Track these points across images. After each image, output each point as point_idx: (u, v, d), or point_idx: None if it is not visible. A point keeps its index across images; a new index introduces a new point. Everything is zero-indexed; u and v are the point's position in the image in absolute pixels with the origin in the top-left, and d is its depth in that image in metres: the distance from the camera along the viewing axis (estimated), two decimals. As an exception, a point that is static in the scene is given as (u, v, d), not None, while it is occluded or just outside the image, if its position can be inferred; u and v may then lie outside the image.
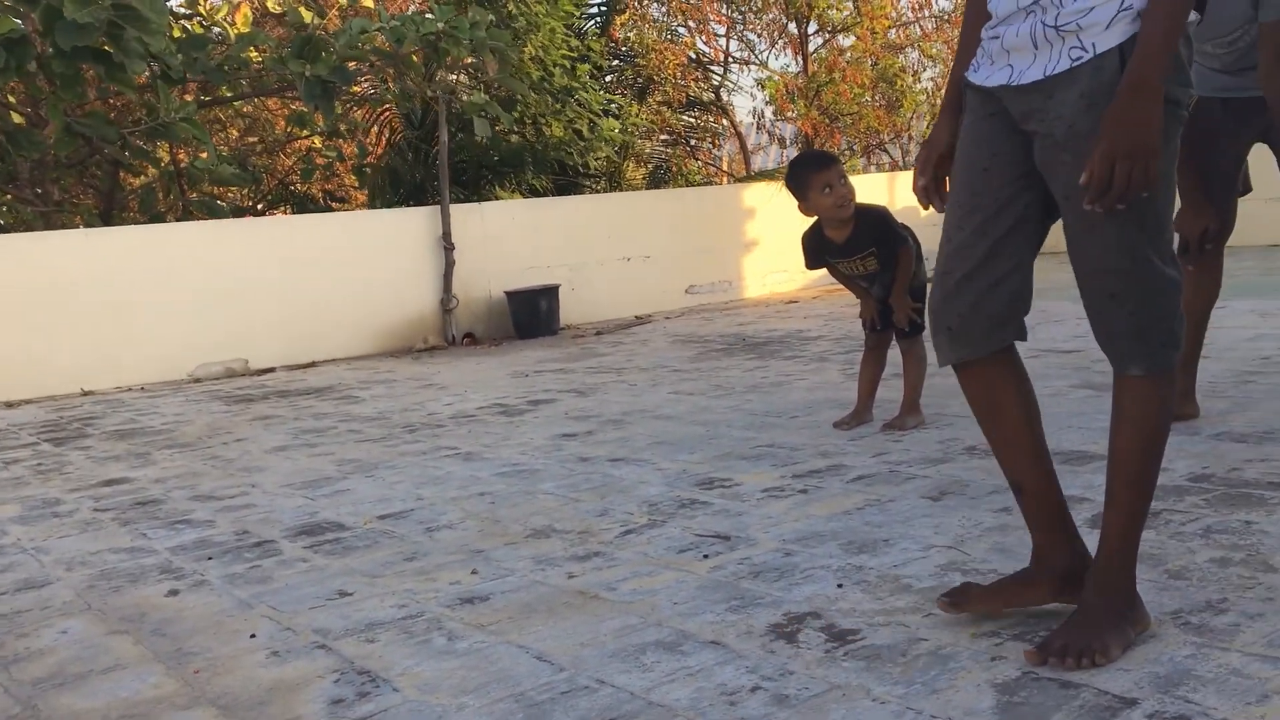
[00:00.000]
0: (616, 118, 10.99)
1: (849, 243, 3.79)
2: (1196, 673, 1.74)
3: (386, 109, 10.68)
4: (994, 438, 2.03)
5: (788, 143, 14.60)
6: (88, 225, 9.02)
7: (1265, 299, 6.35)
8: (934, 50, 13.42)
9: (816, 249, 3.89)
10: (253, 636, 2.32)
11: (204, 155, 9.70)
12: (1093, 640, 1.79)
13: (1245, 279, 7.56)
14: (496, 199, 9.83)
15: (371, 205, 10.62)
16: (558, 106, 10.09)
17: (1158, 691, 1.69)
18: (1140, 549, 2.30)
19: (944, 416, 3.89)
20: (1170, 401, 1.91)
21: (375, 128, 11.08)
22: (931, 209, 2.09)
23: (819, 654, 1.97)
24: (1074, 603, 1.93)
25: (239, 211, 10.98)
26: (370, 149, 11.09)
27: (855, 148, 13.72)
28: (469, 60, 9.32)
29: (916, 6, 13.74)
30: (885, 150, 14.63)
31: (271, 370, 7.65)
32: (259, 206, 12.07)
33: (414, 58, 8.32)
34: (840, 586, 2.30)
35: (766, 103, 13.81)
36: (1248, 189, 3.45)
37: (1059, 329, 5.87)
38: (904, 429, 3.75)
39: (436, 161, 8.80)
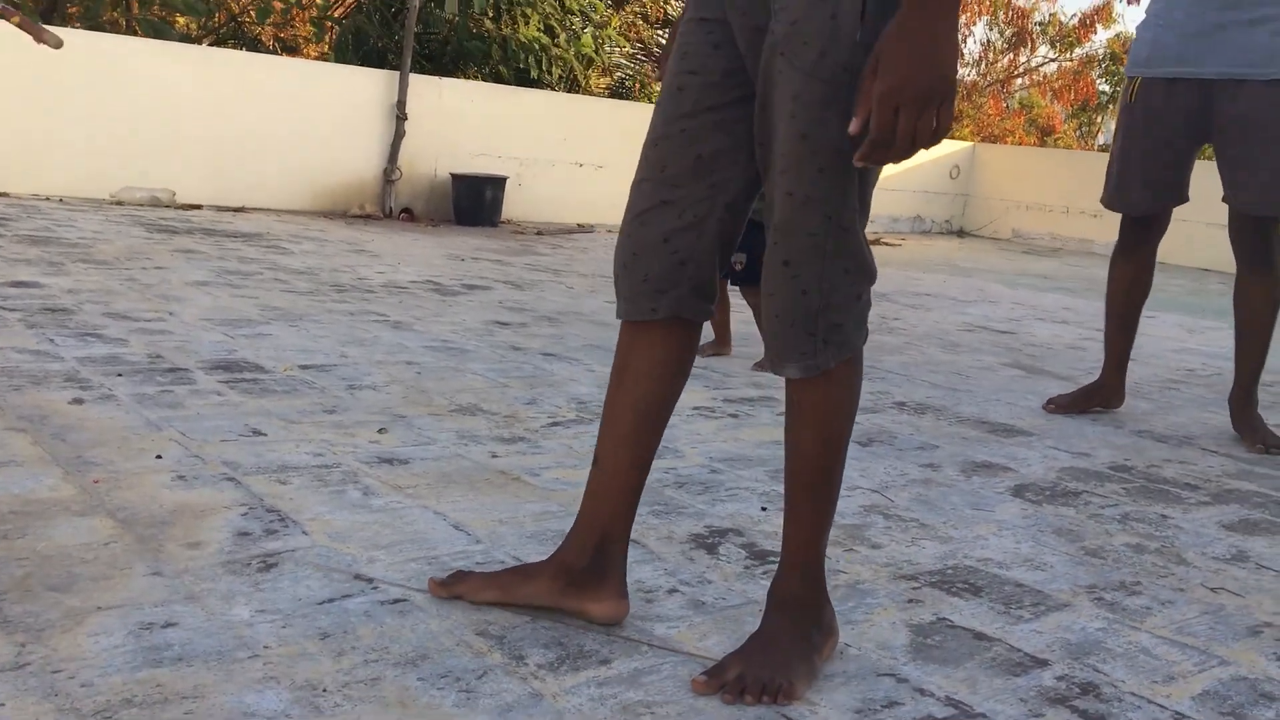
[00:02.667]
0: (592, 23, 10.75)
1: None
2: (1107, 645, 1.76)
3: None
4: (608, 401, 1.70)
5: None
6: (26, 22, 8.54)
7: (1194, 316, 6.49)
8: None
9: None
10: (158, 458, 2.23)
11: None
12: (776, 673, 1.48)
13: (1176, 295, 7.73)
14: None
15: (327, 60, 10.26)
16: (536, -2, 9.82)
17: (1069, 657, 1.70)
18: (1059, 524, 2.34)
19: (876, 370, 3.90)
20: (850, 401, 1.55)
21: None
22: None
23: (738, 568, 1.95)
24: (569, 611, 1.64)
25: (186, 41, 10.52)
26: (334, 3, 10.68)
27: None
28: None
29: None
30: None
31: (198, 207, 7.39)
32: (207, 41, 11.58)
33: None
34: (764, 510, 2.28)
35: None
36: (1183, 198, 3.38)
37: (994, 309, 5.93)
38: (771, 370, 3.75)
39: (403, 29, 8.50)
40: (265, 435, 2.47)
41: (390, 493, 2.17)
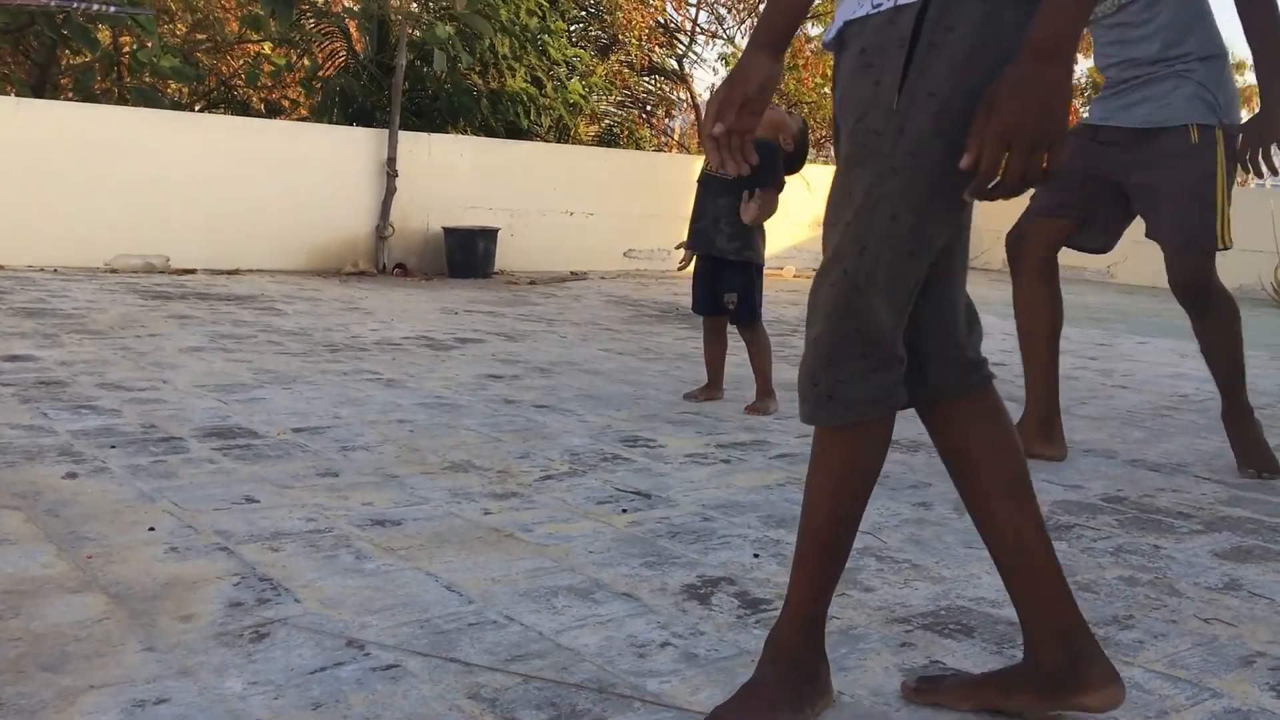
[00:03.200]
0: (578, 72, 10.86)
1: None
2: (1099, 682, 1.76)
3: (347, 24, 10.41)
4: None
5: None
6: (19, 96, 8.65)
7: (1186, 340, 6.50)
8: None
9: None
10: (151, 529, 2.24)
11: (148, 45, 9.37)
12: None
13: (1171, 320, 7.75)
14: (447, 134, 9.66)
15: (317, 120, 10.36)
16: (520, 50, 9.93)
17: (1061, 695, 1.70)
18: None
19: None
20: (862, 458, 1.56)
21: (331, 43, 10.80)
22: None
23: (730, 618, 1.96)
24: (1068, 708, 1.58)
25: (178, 107, 10.64)
26: (323, 65, 10.81)
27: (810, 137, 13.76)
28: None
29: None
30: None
31: (193, 272, 7.44)
32: (198, 105, 11.70)
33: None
34: (756, 556, 2.29)
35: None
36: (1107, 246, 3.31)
37: (986, 342, 5.94)
38: (765, 413, 3.76)
39: (390, 86, 8.59)
40: (258, 502, 2.48)
41: (383, 555, 2.17)
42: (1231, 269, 9.80)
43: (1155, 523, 2.69)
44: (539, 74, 10.28)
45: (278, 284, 7.09)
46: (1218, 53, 3.03)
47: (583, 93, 10.63)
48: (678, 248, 4.05)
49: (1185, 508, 2.84)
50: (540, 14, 10.00)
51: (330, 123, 9.66)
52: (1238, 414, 3.25)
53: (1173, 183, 3.06)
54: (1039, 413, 3.24)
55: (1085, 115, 3.18)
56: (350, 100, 9.80)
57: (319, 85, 10.40)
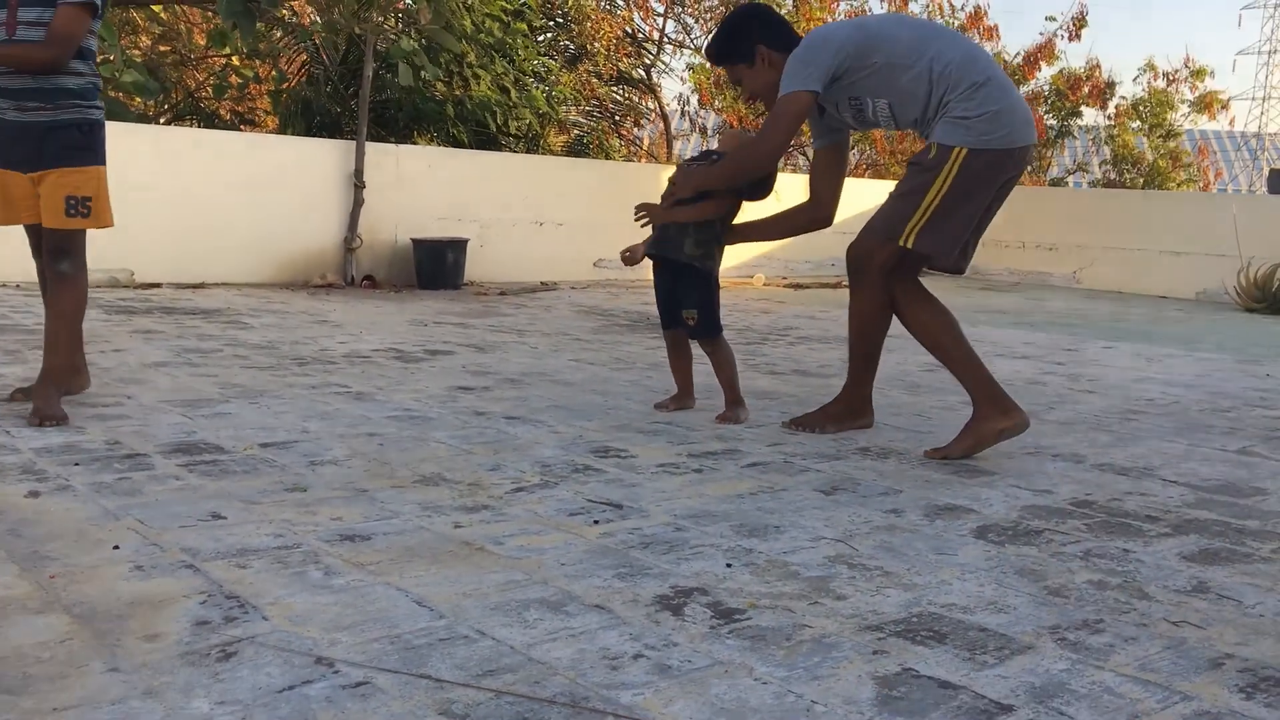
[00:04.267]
0: (544, 81, 10.86)
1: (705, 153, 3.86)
2: (1071, 687, 1.77)
3: (311, 38, 10.36)
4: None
5: (709, 132, 14.62)
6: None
7: (1153, 345, 6.57)
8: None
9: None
10: (116, 548, 2.21)
11: (111, 59, 9.27)
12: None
13: (1136, 324, 7.83)
14: (414, 144, 9.63)
15: (282, 132, 10.30)
16: (486, 60, 9.92)
17: (1033, 701, 1.71)
18: (1022, 564, 2.35)
19: (840, 416, 3.92)
20: None
21: (296, 55, 10.75)
22: None
23: (704, 629, 1.95)
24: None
25: (144, 120, 10.54)
26: (289, 76, 10.75)
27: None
28: (403, 3, 9.09)
29: (851, 13, 13.85)
30: (804, 153, 14.76)
31: (158, 286, 7.37)
32: (164, 119, 11.60)
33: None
34: (729, 566, 2.28)
35: (693, 91, 13.80)
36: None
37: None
38: (736, 421, 3.77)
39: (356, 98, 8.56)
40: (225, 518, 2.45)
41: (352, 571, 2.15)
42: (1194, 273, 9.98)
43: (1124, 526, 2.71)
44: (505, 83, 10.26)
45: (244, 297, 7.03)
46: (980, 80, 3.34)
47: (548, 103, 10.62)
48: (625, 251, 3.88)
49: (1153, 511, 2.86)
50: (504, 20, 9.98)
51: (295, 134, 9.60)
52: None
53: (904, 183, 3.46)
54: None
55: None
56: (315, 111, 9.75)
57: (285, 97, 10.34)
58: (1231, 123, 21.44)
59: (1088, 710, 1.68)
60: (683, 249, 3.77)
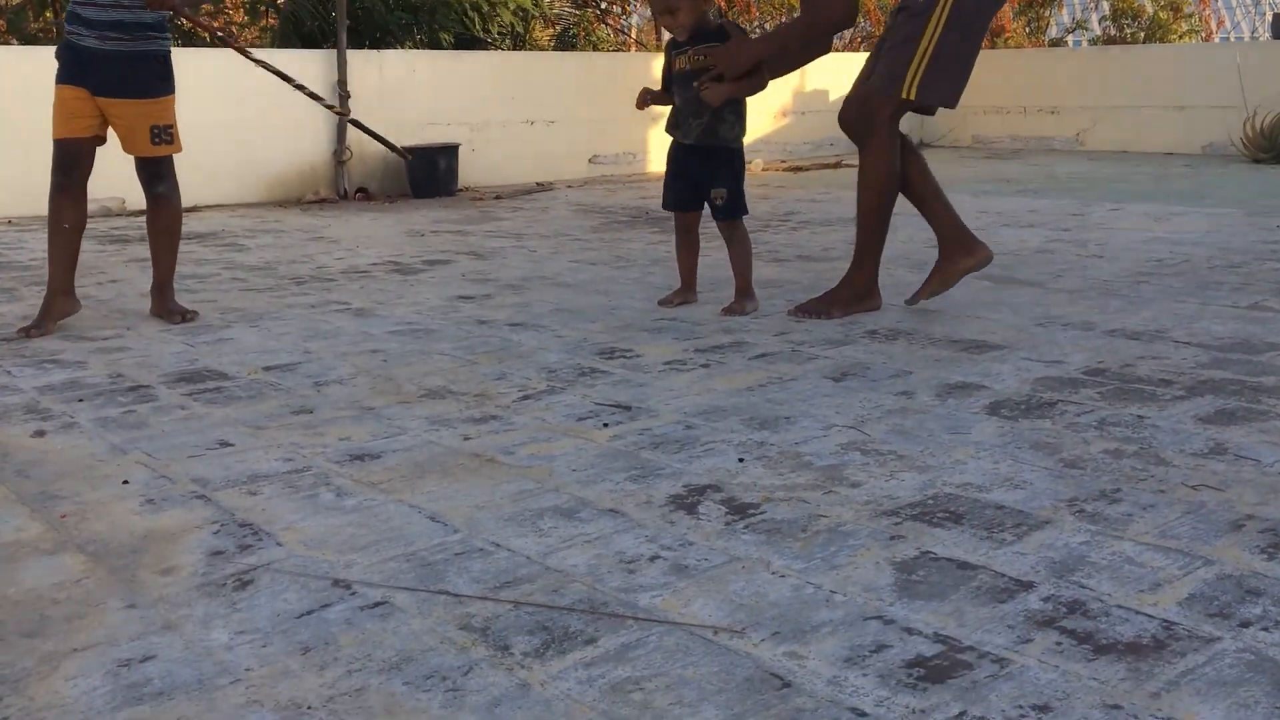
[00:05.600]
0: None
1: (693, 36, 3.66)
2: (1090, 559, 1.76)
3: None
4: None
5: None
6: (-50, 43, 8.36)
7: (1160, 203, 6.47)
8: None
9: (668, 47, 3.80)
10: (125, 483, 2.20)
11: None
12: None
13: (1141, 184, 7.71)
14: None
15: (278, 49, 10.07)
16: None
17: (1053, 576, 1.70)
18: (1036, 438, 2.34)
19: (846, 299, 3.87)
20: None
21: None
22: None
23: (719, 526, 1.94)
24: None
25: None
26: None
27: (768, 26, 13.49)
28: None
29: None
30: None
31: (151, 213, 7.27)
32: (140, 39, 11.35)
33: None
34: (741, 461, 2.27)
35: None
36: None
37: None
38: (744, 313, 3.69)
39: (335, 6, 8.34)
40: (233, 445, 2.44)
41: (364, 491, 2.14)
42: (1199, 127, 9.80)
43: (1137, 392, 2.68)
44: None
45: (238, 218, 6.95)
46: None
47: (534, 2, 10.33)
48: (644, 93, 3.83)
49: (1166, 374, 2.83)
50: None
51: (291, 48, 9.37)
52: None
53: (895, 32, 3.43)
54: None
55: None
56: (300, 24, 9.50)
57: (265, 9, 10.08)
58: (1233, -32, 20.82)
59: (1109, 581, 1.68)
60: (718, 134, 3.66)
